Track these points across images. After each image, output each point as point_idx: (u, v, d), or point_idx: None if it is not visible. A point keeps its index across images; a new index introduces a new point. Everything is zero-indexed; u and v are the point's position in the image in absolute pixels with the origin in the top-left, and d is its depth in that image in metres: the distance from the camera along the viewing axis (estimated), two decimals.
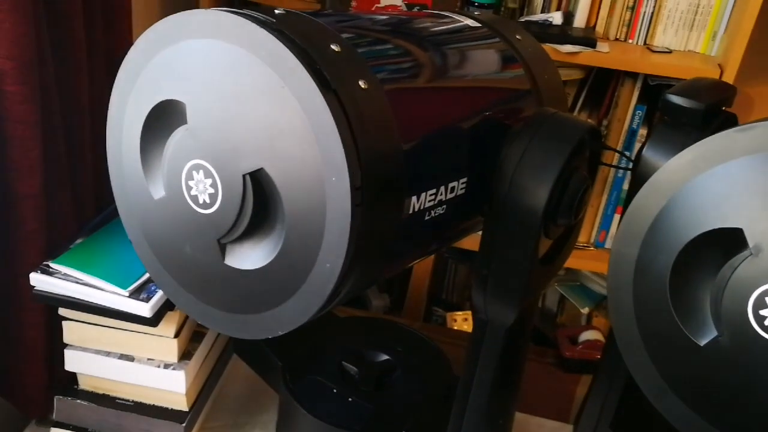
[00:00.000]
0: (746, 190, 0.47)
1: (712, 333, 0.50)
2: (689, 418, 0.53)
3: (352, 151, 0.48)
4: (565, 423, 1.05)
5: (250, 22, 0.49)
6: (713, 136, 0.49)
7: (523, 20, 1.30)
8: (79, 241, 0.89)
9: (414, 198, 0.55)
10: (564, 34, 1.24)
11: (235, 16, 0.50)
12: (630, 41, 1.30)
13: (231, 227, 0.53)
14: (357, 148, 0.48)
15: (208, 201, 0.54)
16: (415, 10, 1.23)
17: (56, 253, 0.85)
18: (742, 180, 0.48)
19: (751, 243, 0.47)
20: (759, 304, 0.47)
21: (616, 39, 1.31)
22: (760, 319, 0.47)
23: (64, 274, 0.83)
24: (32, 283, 0.83)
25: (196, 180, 0.54)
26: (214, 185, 0.53)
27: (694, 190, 0.50)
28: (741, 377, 0.49)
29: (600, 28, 1.31)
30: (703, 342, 0.50)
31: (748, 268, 0.48)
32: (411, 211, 0.55)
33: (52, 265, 0.84)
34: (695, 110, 0.62)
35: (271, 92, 0.48)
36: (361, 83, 0.51)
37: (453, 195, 0.60)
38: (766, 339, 0.47)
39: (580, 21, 1.30)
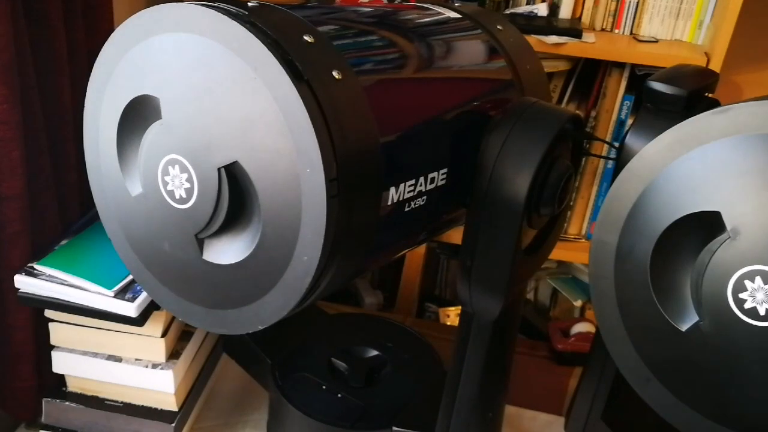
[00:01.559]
0: (723, 173, 0.47)
1: (693, 318, 0.50)
2: (673, 405, 0.53)
3: (326, 141, 0.47)
4: (558, 416, 1.04)
5: (221, 14, 0.49)
6: (689, 120, 0.49)
7: (508, 12, 1.29)
8: (63, 242, 0.88)
9: (392, 189, 0.55)
10: (549, 25, 1.23)
11: (206, 9, 0.49)
12: (616, 31, 1.30)
13: (208, 222, 0.53)
14: (331, 139, 0.48)
15: (184, 196, 0.53)
16: (397, 2, 1.22)
17: (41, 255, 0.85)
18: (719, 163, 0.47)
19: (728, 226, 0.47)
20: (738, 288, 0.47)
21: (602, 29, 1.31)
22: (739, 303, 0.47)
23: (49, 276, 0.82)
24: (17, 285, 0.82)
25: (172, 175, 0.53)
26: (189, 180, 0.52)
27: (671, 175, 0.49)
28: (722, 361, 0.49)
29: (586, 19, 1.30)
30: (684, 327, 0.50)
31: (726, 252, 0.47)
32: (390, 203, 0.55)
33: (36, 266, 0.83)
34: (677, 97, 0.62)
35: (244, 84, 0.48)
36: (335, 73, 0.50)
37: (433, 186, 0.60)
38: (746, 322, 0.47)
39: (565, 12, 1.29)
